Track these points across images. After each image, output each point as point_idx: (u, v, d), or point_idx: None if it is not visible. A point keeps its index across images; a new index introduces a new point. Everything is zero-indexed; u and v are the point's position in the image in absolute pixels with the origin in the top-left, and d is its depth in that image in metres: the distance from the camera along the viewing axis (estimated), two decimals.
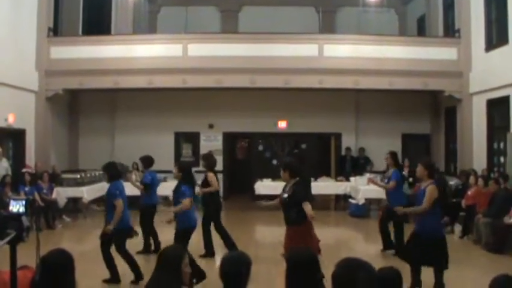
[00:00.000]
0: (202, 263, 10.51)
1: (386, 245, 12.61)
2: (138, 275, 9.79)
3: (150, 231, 12.69)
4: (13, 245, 3.27)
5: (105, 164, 10.53)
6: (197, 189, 11.55)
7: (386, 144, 21.44)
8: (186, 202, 9.56)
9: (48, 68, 19.59)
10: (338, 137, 23.00)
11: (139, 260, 10.55)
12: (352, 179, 19.89)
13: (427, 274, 8.99)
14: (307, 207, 8.62)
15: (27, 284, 4.08)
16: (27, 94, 18.90)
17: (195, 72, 19.58)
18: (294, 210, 8.76)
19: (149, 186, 12.68)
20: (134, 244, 11.47)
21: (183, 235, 9.60)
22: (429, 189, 8.94)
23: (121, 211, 9.66)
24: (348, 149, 22.17)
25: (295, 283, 4.35)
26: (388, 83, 19.48)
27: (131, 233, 10.13)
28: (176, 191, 10.01)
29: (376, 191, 17.90)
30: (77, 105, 22.77)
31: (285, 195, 8.95)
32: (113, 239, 9.79)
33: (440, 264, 8.82)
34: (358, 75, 19.43)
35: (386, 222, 12.58)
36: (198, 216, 10.50)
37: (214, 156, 13.35)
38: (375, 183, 13.65)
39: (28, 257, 4.52)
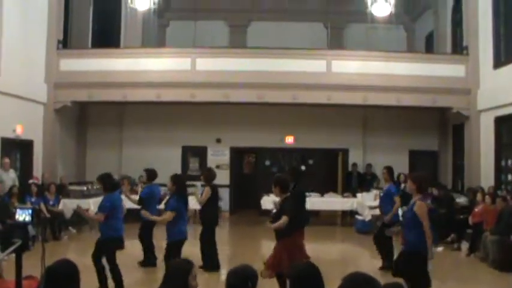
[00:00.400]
0: (205, 276, 10.56)
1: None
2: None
3: (148, 245, 12.68)
4: (19, 253, 3.27)
5: (101, 174, 10.44)
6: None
7: (393, 160, 21.33)
8: (166, 215, 9.69)
9: (57, 80, 19.67)
10: (345, 152, 22.98)
11: (139, 272, 10.54)
12: (358, 195, 19.85)
13: None
14: (283, 219, 8.69)
15: None
16: (36, 106, 18.99)
17: (203, 86, 19.62)
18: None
19: (142, 200, 12.57)
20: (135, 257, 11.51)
21: (174, 247, 9.76)
22: (419, 206, 8.48)
23: (99, 220, 9.77)
24: (354, 164, 22.14)
25: None
26: (396, 99, 19.48)
27: (121, 244, 10.05)
28: (167, 203, 10.17)
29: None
30: (85, 118, 22.82)
31: (273, 212, 9.26)
32: (102, 248, 9.83)
33: (420, 283, 8.52)
34: (366, 91, 19.44)
35: (379, 238, 12.50)
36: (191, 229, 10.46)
37: (213, 171, 13.16)
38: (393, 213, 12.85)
39: (33, 267, 4.53)
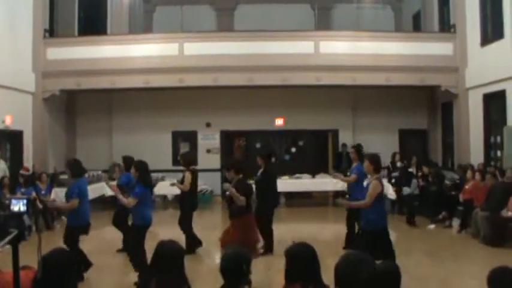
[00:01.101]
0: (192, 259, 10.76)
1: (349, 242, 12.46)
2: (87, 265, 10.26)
3: (125, 231, 12.44)
4: (15, 243, 3.30)
5: (68, 160, 10.72)
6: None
7: (383, 140, 21.63)
8: (129, 200, 9.73)
9: (45, 69, 19.63)
10: (335, 133, 23.06)
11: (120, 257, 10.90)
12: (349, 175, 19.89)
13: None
14: (241, 198, 9.54)
15: (29, 284, 4.11)
16: (24, 95, 18.93)
17: (191, 71, 19.64)
18: (234, 205, 9.68)
19: (123, 188, 12.51)
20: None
21: (136, 231, 9.80)
22: (372, 184, 8.94)
23: (72, 208, 9.82)
24: (344, 145, 22.19)
25: (294, 277, 4.41)
26: (385, 79, 19.56)
27: (87, 230, 10.19)
28: (132, 188, 10.29)
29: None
30: (74, 106, 22.79)
31: (227, 193, 9.87)
32: (69, 234, 9.92)
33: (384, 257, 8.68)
34: (355, 71, 19.49)
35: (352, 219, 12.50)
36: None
37: (192, 155, 13.40)
38: (338, 177, 13.93)
39: (29, 257, 4.56)
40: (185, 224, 12.46)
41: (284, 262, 4.50)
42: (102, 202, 19.16)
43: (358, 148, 12.84)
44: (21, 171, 16.91)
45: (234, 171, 10.03)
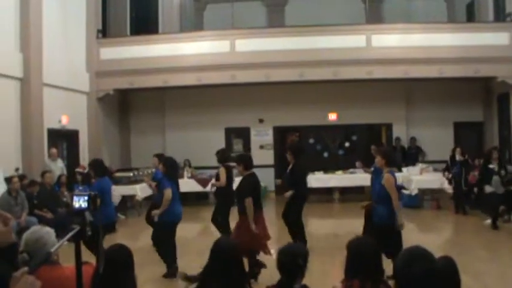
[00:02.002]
0: None
1: None
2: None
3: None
4: (77, 240, 3.38)
5: (91, 160, 10.93)
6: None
7: (438, 133, 21.36)
8: (166, 193, 9.81)
9: (99, 69, 19.98)
10: (389, 127, 22.89)
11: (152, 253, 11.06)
12: (404, 169, 19.70)
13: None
14: (247, 202, 9.14)
15: (88, 279, 4.19)
16: (79, 95, 19.34)
17: (243, 67, 19.71)
18: (241, 202, 9.35)
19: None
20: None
21: (165, 227, 9.96)
22: (387, 179, 8.95)
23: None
24: (398, 139, 22.01)
25: (354, 272, 4.39)
26: (438, 71, 19.26)
27: (112, 228, 10.49)
28: (158, 185, 10.46)
29: (429, 181, 17.81)
30: (127, 105, 23.15)
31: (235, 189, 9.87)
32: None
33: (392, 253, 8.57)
34: (408, 64, 19.27)
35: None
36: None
37: (227, 152, 13.71)
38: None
39: (86, 252, 4.66)
40: (222, 219, 12.62)
41: (338, 257, 4.50)
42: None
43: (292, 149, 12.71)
44: (78, 170, 17.23)
45: (243, 167, 9.63)
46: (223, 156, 13.20)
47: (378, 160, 9.31)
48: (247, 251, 8.87)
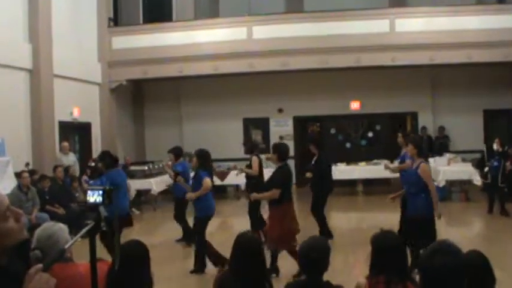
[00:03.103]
0: None
1: None
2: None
3: (184, 223, 12.88)
4: (92, 235, 3.39)
5: (100, 152, 11.27)
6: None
7: (466, 121, 21.21)
8: (206, 182, 9.91)
9: (111, 59, 20.07)
10: (414, 116, 22.77)
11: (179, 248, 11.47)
12: (431, 159, 19.55)
13: None
14: (272, 192, 9.35)
15: (102, 277, 4.21)
16: (91, 87, 19.44)
17: (261, 55, 19.69)
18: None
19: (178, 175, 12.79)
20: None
21: (201, 223, 10.06)
22: (423, 168, 9.02)
23: None
24: (424, 128, 21.86)
25: (380, 268, 4.39)
26: (466, 56, 19.06)
27: (128, 221, 10.58)
28: (195, 177, 10.44)
29: (458, 172, 17.67)
30: (141, 96, 23.23)
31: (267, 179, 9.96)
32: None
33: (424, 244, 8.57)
34: (433, 49, 19.12)
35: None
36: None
37: (255, 142, 14.09)
38: (388, 167, 13.95)
39: (101, 249, 4.70)
40: (252, 213, 12.68)
41: (362, 252, 4.50)
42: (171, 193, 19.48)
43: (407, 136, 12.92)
44: (90, 163, 17.28)
45: (278, 156, 9.63)
46: (252, 146, 13.44)
47: (410, 149, 9.38)
48: (280, 243, 9.31)
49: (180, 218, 12.93)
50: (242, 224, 12.38)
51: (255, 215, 12.62)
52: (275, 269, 9.44)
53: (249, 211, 12.72)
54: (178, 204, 12.94)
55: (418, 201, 8.98)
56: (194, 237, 10.89)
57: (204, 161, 10.30)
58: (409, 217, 9.34)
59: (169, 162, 13.52)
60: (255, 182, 12.60)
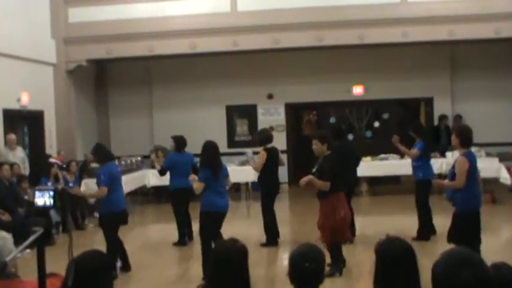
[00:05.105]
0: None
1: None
2: (126, 265, 11.15)
3: (179, 220, 13.73)
4: (41, 245, 3.31)
5: (93, 146, 11.94)
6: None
7: (492, 109, 21.14)
8: (197, 185, 10.68)
9: (67, 34, 19.89)
10: (429, 102, 22.79)
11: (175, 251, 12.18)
12: (448, 154, 19.56)
13: None
14: (322, 183, 10.22)
15: None
16: (43, 68, 19.20)
17: (247, 31, 19.62)
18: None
19: (164, 171, 14.09)
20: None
21: (205, 218, 10.76)
22: (458, 162, 9.47)
23: (101, 196, 10.98)
24: (443, 117, 21.76)
25: (386, 281, 4.33)
26: (493, 30, 18.95)
27: (123, 218, 11.22)
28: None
29: (485, 170, 17.63)
30: (104, 79, 23.11)
31: (314, 170, 10.51)
32: (104, 225, 11.14)
33: (466, 242, 8.83)
34: (453, 23, 19.04)
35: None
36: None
37: (268, 132, 14.17)
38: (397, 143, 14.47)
39: (55, 262, 4.61)
40: (264, 214, 13.22)
41: (366, 262, 4.45)
42: (143, 194, 19.38)
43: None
44: (54, 161, 17.07)
45: (319, 141, 10.55)
46: (261, 137, 13.78)
47: (453, 138, 9.87)
48: (333, 238, 10.16)
49: (175, 214, 13.83)
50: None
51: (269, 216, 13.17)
52: (342, 262, 10.28)
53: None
54: (172, 199, 14.14)
55: (460, 196, 9.43)
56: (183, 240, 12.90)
57: (205, 153, 10.94)
58: (455, 213, 9.72)
59: (154, 155, 14.98)
60: (263, 180, 13.44)
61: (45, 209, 3.42)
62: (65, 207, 14.83)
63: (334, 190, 10.20)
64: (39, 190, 3.70)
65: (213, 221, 10.70)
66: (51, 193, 3.64)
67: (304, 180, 10.47)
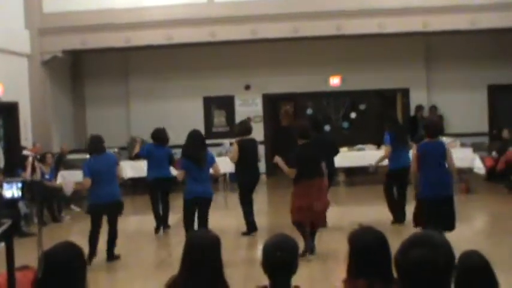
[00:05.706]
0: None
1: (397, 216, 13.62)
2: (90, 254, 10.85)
3: (156, 209, 14.08)
4: (9, 237, 3.29)
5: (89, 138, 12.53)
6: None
7: (467, 99, 21.23)
8: (179, 173, 11.98)
9: (42, 25, 19.75)
10: (405, 93, 22.83)
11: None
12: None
13: None
14: (290, 170, 11.01)
15: (28, 286, 4.13)
16: (18, 59, 19.05)
17: (224, 21, 19.60)
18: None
19: (137, 157, 15.40)
20: None
21: (184, 205, 11.65)
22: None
23: (84, 187, 11.62)
24: (419, 108, 21.82)
25: (359, 271, 4.37)
26: (469, 21, 18.99)
27: (118, 210, 11.56)
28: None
29: (460, 159, 17.74)
30: (80, 70, 22.99)
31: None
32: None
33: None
34: (429, 14, 19.12)
35: (390, 189, 14.03)
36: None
37: (247, 124, 14.44)
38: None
39: (28, 255, 4.60)
40: (241, 202, 13.42)
41: (342, 252, 4.47)
42: (120, 185, 19.34)
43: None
44: (27, 153, 16.97)
45: (299, 136, 11.18)
46: (242, 128, 13.99)
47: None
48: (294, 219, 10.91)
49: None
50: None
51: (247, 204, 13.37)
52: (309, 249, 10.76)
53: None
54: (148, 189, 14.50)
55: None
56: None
57: (187, 142, 11.76)
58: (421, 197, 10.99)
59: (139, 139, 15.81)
60: (238, 172, 13.70)
61: (13, 201, 3.40)
62: (36, 198, 14.84)
63: (301, 177, 10.81)
64: (7, 182, 3.68)
65: (191, 207, 11.39)
66: (19, 185, 3.62)
67: (276, 159, 11.50)
